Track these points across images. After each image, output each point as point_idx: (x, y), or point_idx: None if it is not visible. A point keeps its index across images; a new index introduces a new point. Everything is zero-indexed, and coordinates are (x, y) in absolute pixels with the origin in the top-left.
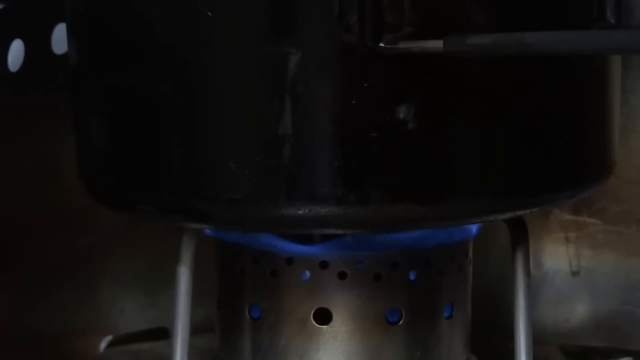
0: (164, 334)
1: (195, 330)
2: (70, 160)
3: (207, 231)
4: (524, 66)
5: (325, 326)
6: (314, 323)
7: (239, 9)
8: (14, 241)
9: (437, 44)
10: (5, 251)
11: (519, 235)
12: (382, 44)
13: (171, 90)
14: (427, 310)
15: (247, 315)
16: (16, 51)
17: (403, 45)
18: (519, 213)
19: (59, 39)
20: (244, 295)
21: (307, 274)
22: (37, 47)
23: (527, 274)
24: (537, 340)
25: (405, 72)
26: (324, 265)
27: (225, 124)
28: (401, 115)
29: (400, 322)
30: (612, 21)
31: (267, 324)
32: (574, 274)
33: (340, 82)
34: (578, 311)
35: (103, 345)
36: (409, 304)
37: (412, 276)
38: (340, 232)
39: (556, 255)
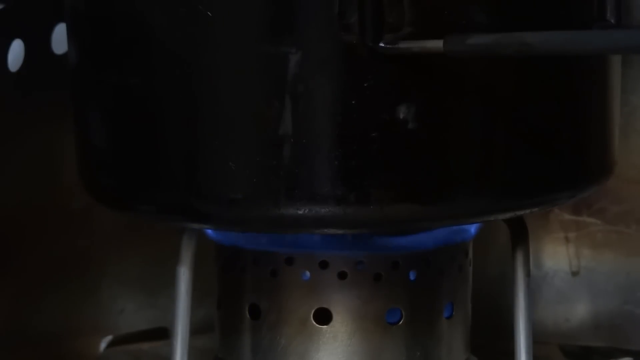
0: (164, 334)
1: (195, 330)
2: (71, 160)
3: (209, 232)
4: (524, 66)
5: (325, 326)
6: (314, 323)
7: (239, 9)
8: (14, 241)
9: (437, 44)
10: (5, 251)
11: (519, 235)
12: (382, 44)
13: (171, 90)
14: (427, 310)
15: (247, 315)
16: (16, 51)
17: (403, 45)
18: (519, 213)
19: (59, 39)
20: (244, 295)
21: (307, 274)
22: (37, 47)
23: (527, 274)
24: (537, 340)
25: (405, 72)
26: (324, 265)
27: (226, 124)
28: (401, 115)
29: (400, 322)
30: (612, 21)
31: (267, 324)
32: (574, 274)
33: (340, 82)
34: (578, 311)
35: (103, 345)
36: (409, 304)
37: (412, 276)
38: (340, 232)
39: (556, 255)
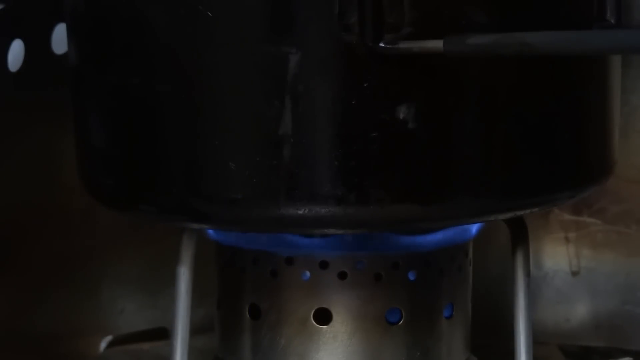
0: (164, 334)
1: (195, 330)
2: (70, 160)
3: (210, 232)
4: (524, 66)
5: (325, 326)
6: (314, 323)
7: (239, 9)
8: (14, 241)
9: (437, 44)
10: (5, 251)
11: (519, 235)
12: (382, 44)
13: (171, 90)
14: (427, 310)
15: (247, 315)
16: (16, 51)
17: (403, 45)
18: (519, 213)
19: (59, 39)
20: (244, 295)
21: (307, 274)
22: (37, 47)
23: (527, 274)
24: (537, 340)
25: (405, 72)
26: (324, 265)
27: (226, 124)
28: (401, 115)
29: (400, 322)
30: (612, 21)
31: (267, 324)
32: (574, 274)
33: (340, 82)
34: (578, 311)
35: (103, 345)
36: (409, 304)
37: (412, 276)
38: (340, 232)
39: (556, 255)
